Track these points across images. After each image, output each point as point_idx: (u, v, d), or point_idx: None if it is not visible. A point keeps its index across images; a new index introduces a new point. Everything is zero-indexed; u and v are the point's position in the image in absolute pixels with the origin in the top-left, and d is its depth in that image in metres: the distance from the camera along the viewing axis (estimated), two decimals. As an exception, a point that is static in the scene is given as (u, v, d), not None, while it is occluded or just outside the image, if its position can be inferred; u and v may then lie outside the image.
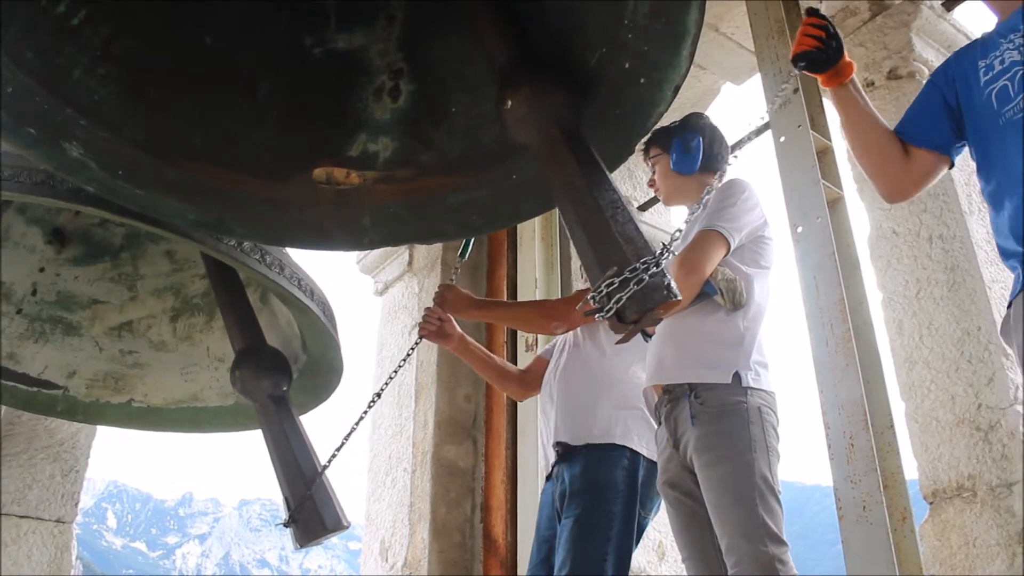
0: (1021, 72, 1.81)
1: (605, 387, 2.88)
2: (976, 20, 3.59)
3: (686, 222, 1.82)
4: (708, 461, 2.30)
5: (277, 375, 2.45)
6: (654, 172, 2.82)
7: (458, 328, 3.12)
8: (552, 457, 2.92)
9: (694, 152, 2.73)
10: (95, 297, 2.82)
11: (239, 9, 2.10)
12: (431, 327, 3.04)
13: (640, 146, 2.77)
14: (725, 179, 2.74)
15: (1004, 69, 1.86)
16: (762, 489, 2.24)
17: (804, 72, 2.09)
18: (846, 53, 2.09)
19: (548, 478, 3.00)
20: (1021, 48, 1.84)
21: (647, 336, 2.59)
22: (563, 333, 3.12)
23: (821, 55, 2.05)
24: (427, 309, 3.07)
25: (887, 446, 2.81)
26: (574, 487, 2.76)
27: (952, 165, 2.09)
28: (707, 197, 2.61)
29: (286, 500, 2.33)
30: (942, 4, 3.61)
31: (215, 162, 2.02)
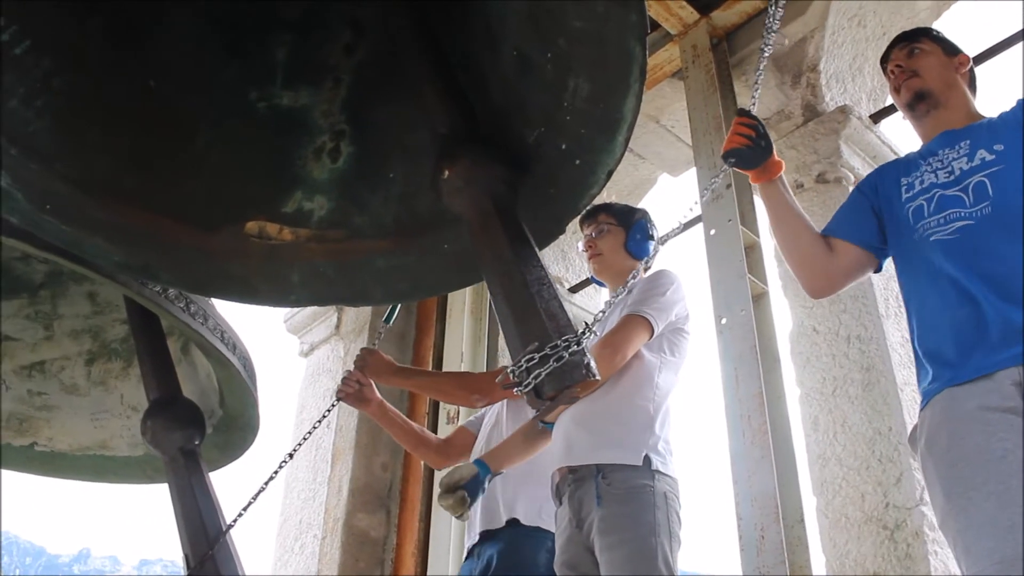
0: (939, 194, 1.93)
1: (529, 470, 2.87)
2: (899, 133, 3.78)
3: (608, 303, 1.84)
4: (611, 543, 2.29)
5: (190, 428, 2.40)
6: (596, 237, 2.82)
7: (377, 393, 3.10)
8: (474, 536, 2.89)
9: (651, 242, 2.81)
10: (7, 333, 2.73)
11: (188, 56, 2.11)
12: (349, 389, 3.01)
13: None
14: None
15: (923, 189, 1.98)
16: (663, 573, 2.24)
17: (734, 168, 2.16)
18: (775, 152, 2.17)
19: (468, 556, 2.96)
20: (938, 172, 1.98)
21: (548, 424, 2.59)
22: (483, 406, 3.11)
23: (750, 152, 2.12)
24: (347, 372, 3.05)
25: (797, 540, 2.84)
26: (495, 567, 2.73)
27: (879, 269, 2.17)
28: (632, 282, 2.67)
29: (186, 558, 2.26)
30: (870, 116, 3.78)
31: (147, 206, 2.00)
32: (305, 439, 2.85)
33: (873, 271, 2.18)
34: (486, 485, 2.56)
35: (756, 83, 2.16)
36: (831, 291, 2.26)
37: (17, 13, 1.74)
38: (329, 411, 2.98)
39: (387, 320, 3.17)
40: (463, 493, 2.48)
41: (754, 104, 2.17)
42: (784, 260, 2.29)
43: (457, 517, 2.52)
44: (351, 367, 3.12)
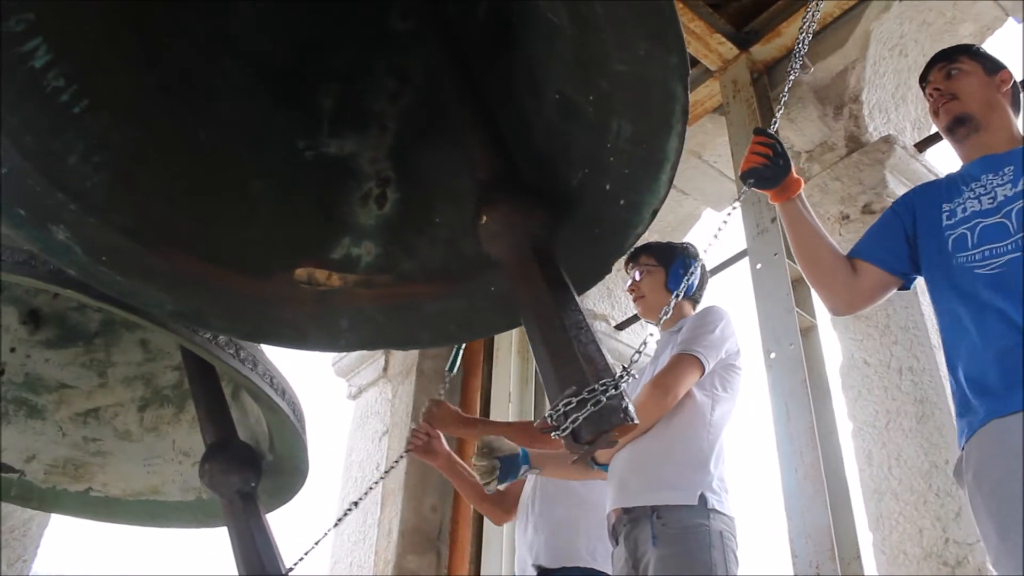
0: (981, 225, 1.89)
1: (586, 509, 2.86)
2: (946, 161, 3.73)
3: (657, 342, 1.83)
4: None
5: (247, 471, 2.43)
6: (639, 279, 2.84)
7: (446, 446, 3.12)
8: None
9: (691, 278, 2.80)
10: (64, 381, 2.79)
11: (238, 107, 2.16)
12: (419, 442, 3.04)
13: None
14: (700, 307, 2.81)
15: (965, 218, 1.93)
16: None
17: (753, 188, 2.13)
18: (794, 170, 2.14)
19: None
20: (981, 198, 1.93)
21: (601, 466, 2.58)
22: None
23: (768, 171, 2.08)
24: (415, 425, 3.08)
25: (854, 577, 2.78)
26: None
27: (905, 287, 2.13)
28: (682, 322, 2.67)
29: (246, 601, 2.28)
30: (915, 145, 3.75)
31: (199, 254, 2.04)
32: (371, 489, 2.87)
33: (898, 289, 2.15)
34: (520, 472, 2.52)
35: (780, 103, 2.13)
36: (852, 310, 2.23)
37: (78, 73, 1.80)
38: (397, 462, 3.00)
39: (451, 368, 3.20)
40: (496, 463, 2.45)
41: (775, 124, 2.15)
42: (805, 278, 2.26)
43: (482, 484, 2.49)
44: (400, 409, 3.15)
